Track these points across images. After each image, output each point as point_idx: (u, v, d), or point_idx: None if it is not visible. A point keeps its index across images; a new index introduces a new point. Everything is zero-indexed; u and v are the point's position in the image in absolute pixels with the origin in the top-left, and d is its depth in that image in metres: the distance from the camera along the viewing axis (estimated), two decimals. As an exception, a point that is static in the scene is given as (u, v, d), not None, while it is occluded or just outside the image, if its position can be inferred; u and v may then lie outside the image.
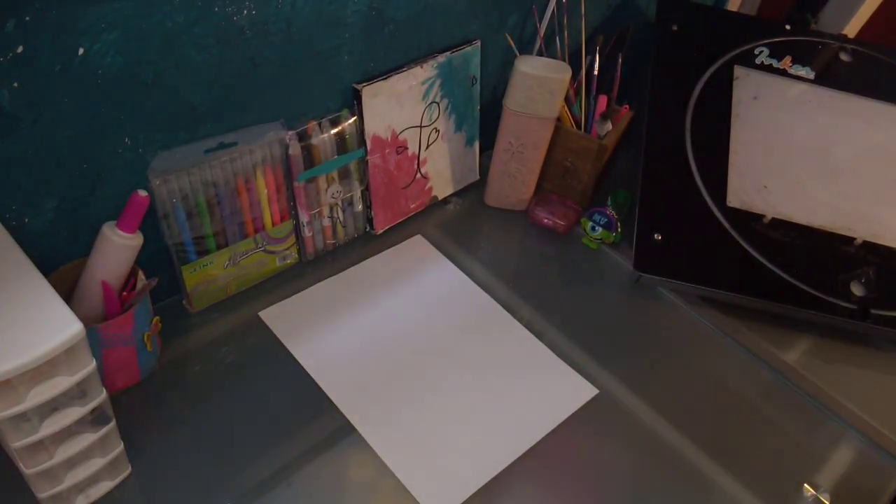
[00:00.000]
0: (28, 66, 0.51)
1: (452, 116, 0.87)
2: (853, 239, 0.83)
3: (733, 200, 0.83)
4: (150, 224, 0.63)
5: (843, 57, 0.96)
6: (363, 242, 0.84)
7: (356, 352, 0.71)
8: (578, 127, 0.91)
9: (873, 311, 0.78)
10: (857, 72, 0.95)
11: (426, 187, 0.88)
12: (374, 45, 0.75)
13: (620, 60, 0.94)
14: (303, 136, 0.72)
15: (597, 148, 0.87)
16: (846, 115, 0.91)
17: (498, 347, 0.74)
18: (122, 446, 0.56)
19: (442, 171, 0.89)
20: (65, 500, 0.54)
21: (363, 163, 0.79)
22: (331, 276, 0.79)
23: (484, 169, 0.93)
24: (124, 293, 0.62)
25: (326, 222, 0.79)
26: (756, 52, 0.93)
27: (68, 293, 0.61)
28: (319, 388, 0.67)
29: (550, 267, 0.86)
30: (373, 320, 0.75)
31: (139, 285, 0.62)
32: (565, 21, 0.89)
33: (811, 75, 0.92)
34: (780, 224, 0.83)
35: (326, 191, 0.77)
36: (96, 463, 0.54)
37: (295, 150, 0.71)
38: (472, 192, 0.94)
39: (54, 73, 0.53)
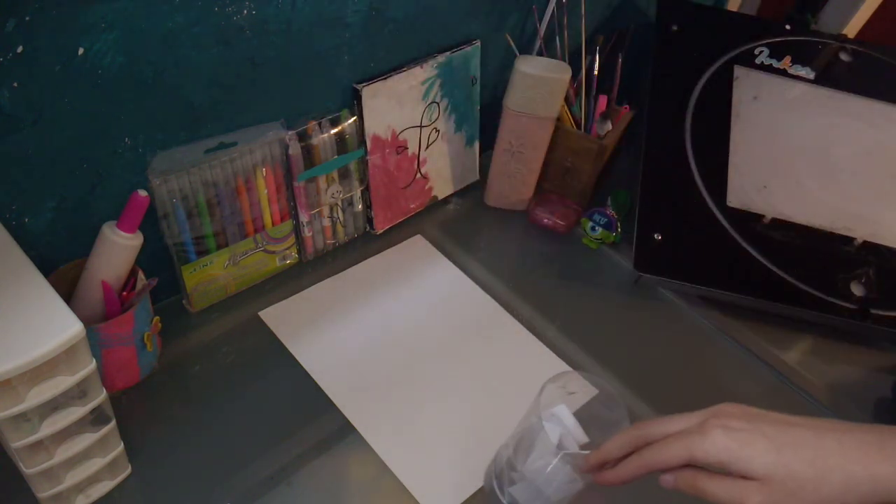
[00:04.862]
0: (28, 66, 0.51)
1: (452, 116, 0.87)
2: (853, 239, 0.83)
3: (733, 200, 0.83)
4: (150, 224, 0.63)
5: (843, 57, 0.96)
6: (363, 242, 0.84)
7: (356, 352, 0.71)
8: (578, 127, 0.91)
9: (873, 311, 0.78)
10: (857, 72, 0.95)
11: (426, 187, 0.88)
12: (374, 45, 0.75)
13: (620, 60, 0.94)
14: (303, 136, 0.72)
15: (597, 148, 0.87)
16: (846, 115, 0.91)
17: (498, 347, 0.74)
18: (122, 446, 0.56)
19: (442, 171, 0.89)
20: (65, 500, 0.54)
21: (363, 163, 0.79)
22: (331, 276, 0.79)
23: (484, 169, 0.93)
24: (124, 293, 0.62)
25: (326, 222, 0.79)
26: (756, 52, 0.93)
27: (68, 293, 0.61)
28: (319, 388, 0.67)
29: (550, 267, 0.86)
30: (373, 320, 0.75)
31: (139, 285, 0.62)
32: (565, 21, 0.89)
33: (811, 75, 0.92)
34: (780, 224, 0.83)
35: (326, 191, 0.77)
36: (96, 463, 0.54)
37: (295, 150, 0.71)
38: (472, 192, 0.94)
39: (54, 73, 0.53)
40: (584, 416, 0.53)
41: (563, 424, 0.51)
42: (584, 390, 0.55)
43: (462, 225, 0.89)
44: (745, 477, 0.43)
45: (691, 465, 0.46)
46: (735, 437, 0.44)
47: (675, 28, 0.93)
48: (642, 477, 0.47)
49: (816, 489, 0.42)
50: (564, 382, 0.54)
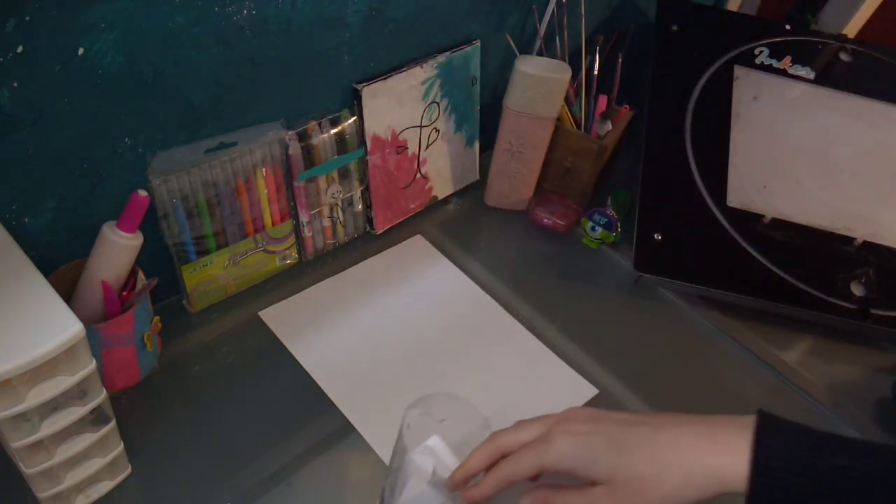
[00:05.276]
0: (28, 66, 0.51)
1: (452, 116, 0.87)
2: (853, 239, 0.83)
3: (733, 200, 0.83)
4: (150, 224, 0.63)
5: (843, 57, 0.96)
6: (363, 242, 0.84)
7: (356, 352, 0.71)
8: (578, 127, 0.91)
9: (873, 311, 0.78)
10: (857, 72, 0.95)
11: (426, 187, 0.88)
12: (374, 45, 0.75)
13: (620, 60, 0.94)
14: (303, 136, 0.72)
15: (597, 148, 0.87)
16: (846, 115, 0.91)
17: (498, 347, 0.74)
18: (122, 446, 0.56)
19: (442, 171, 0.89)
20: (65, 500, 0.54)
21: (363, 163, 0.79)
22: (331, 276, 0.79)
23: (484, 169, 0.93)
24: (124, 293, 0.62)
25: (326, 222, 0.79)
26: (756, 52, 0.93)
27: (68, 293, 0.61)
28: (319, 388, 0.67)
29: (550, 267, 0.86)
30: (373, 320, 0.75)
31: (139, 285, 0.62)
32: (565, 21, 0.89)
33: (811, 75, 0.92)
34: (780, 224, 0.83)
35: (326, 191, 0.77)
36: (96, 463, 0.54)
37: (295, 150, 0.71)
38: (472, 192, 0.94)
39: (54, 73, 0.53)
40: (457, 443, 0.51)
41: (436, 457, 0.50)
42: (455, 415, 0.53)
43: (462, 225, 0.89)
44: (593, 482, 0.43)
45: (549, 485, 0.46)
46: (579, 441, 0.44)
47: (675, 28, 0.93)
48: (504, 489, 0.47)
49: (657, 487, 0.42)
50: (427, 407, 0.51)
